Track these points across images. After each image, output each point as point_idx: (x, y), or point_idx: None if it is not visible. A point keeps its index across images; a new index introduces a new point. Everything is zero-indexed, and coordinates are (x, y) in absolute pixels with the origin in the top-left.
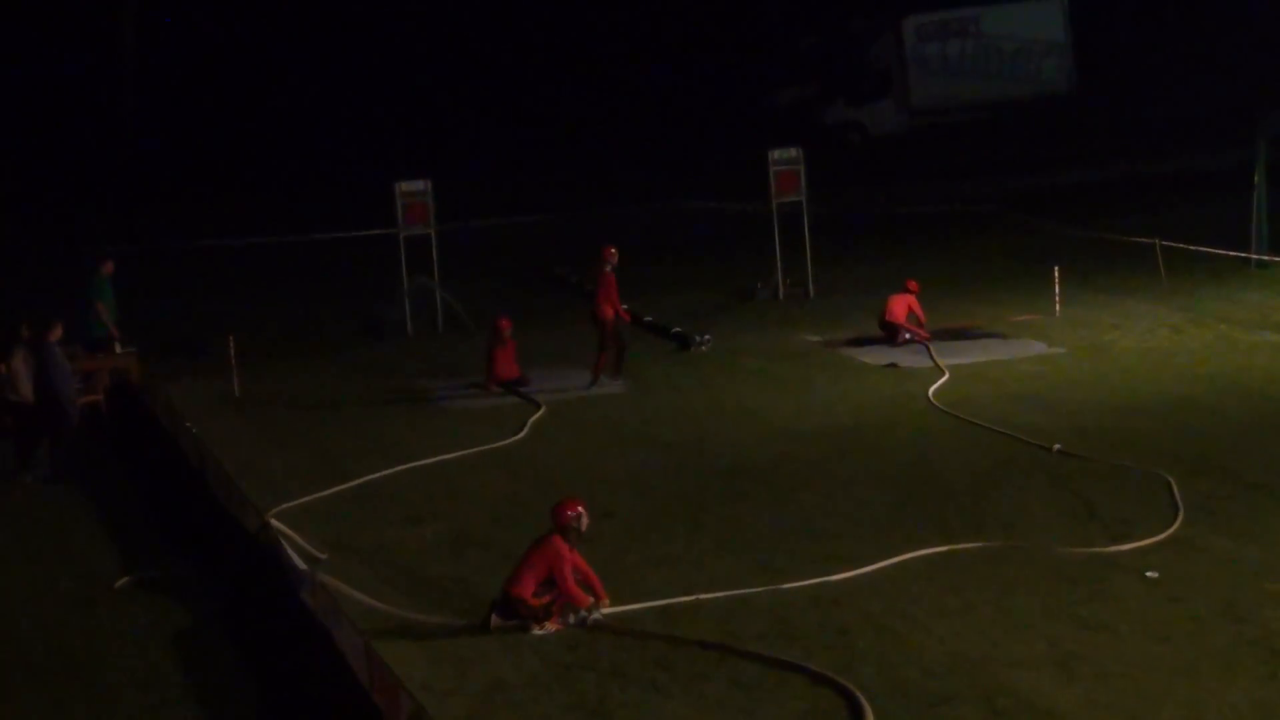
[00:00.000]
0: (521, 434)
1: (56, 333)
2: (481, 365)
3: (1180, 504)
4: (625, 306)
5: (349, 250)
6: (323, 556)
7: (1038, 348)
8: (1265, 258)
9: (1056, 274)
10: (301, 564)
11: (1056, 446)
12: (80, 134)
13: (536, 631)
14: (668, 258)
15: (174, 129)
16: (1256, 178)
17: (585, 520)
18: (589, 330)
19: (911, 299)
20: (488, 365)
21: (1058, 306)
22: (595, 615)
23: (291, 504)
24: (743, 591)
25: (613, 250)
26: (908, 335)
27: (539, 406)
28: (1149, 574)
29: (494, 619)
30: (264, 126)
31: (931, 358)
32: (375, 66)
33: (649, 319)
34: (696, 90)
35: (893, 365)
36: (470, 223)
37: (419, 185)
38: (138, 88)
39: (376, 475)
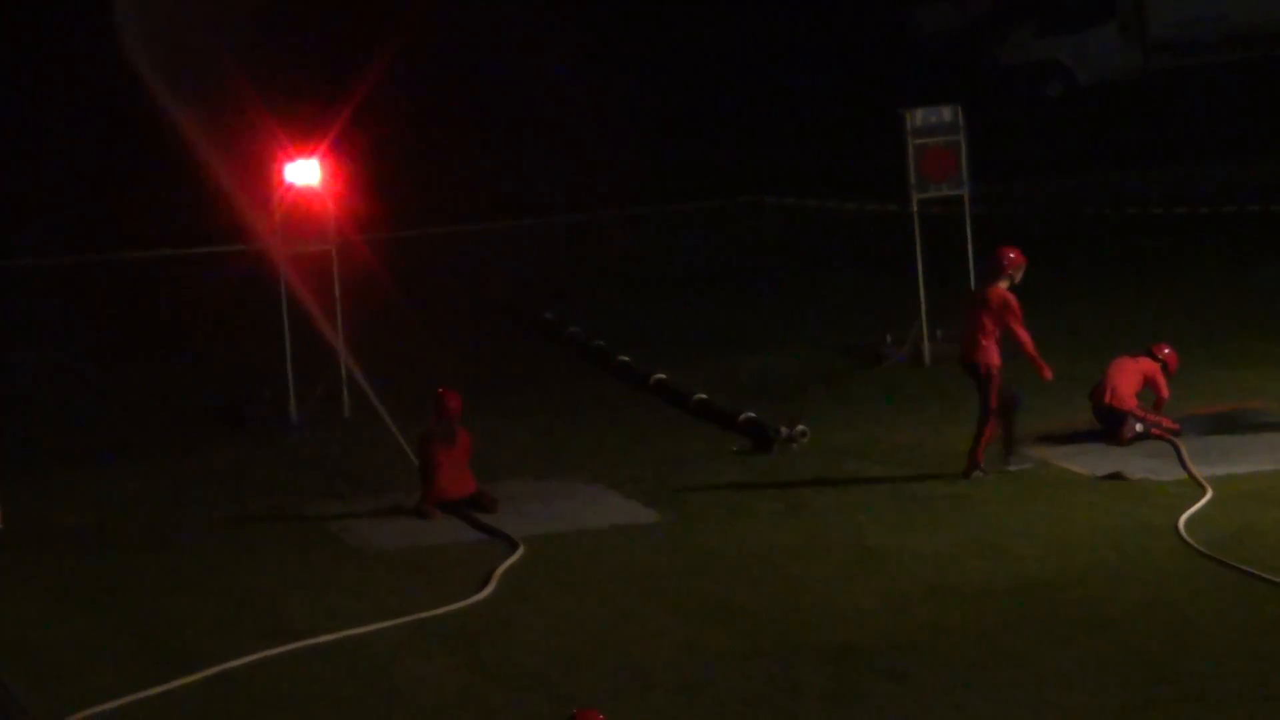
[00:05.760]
0: (484, 592)
1: None
2: (414, 476)
3: None
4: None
5: (185, 276)
6: None
7: None
8: None
9: None
10: None
11: None
12: None
13: None
14: (726, 291)
15: None
16: None
17: None
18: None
19: (1154, 369)
20: (425, 475)
21: None
22: None
23: (97, 709)
24: None
25: (1012, 255)
26: (1140, 426)
27: (514, 545)
28: None
29: None
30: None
31: (1182, 463)
32: None
33: (701, 397)
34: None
35: (1117, 476)
36: (393, 232)
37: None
38: None
39: (238, 662)
